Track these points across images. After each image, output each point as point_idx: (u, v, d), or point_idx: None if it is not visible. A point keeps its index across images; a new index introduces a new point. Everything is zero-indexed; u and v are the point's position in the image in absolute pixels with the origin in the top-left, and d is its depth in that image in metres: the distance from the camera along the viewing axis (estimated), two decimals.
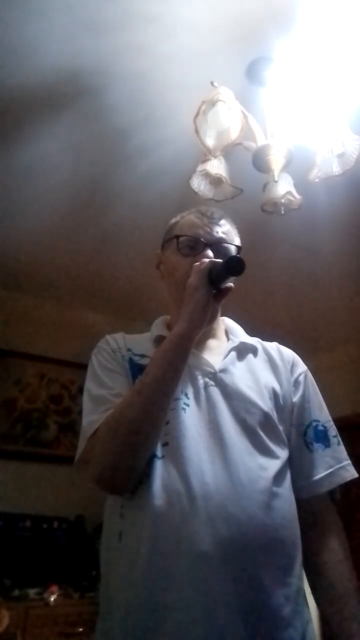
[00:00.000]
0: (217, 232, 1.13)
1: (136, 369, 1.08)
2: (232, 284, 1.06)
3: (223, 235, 1.14)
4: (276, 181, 1.66)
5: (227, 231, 1.15)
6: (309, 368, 1.21)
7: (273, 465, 1.02)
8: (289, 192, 1.69)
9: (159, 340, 1.12)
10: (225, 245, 1.13)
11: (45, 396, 3.35)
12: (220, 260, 1.02)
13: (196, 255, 1.09)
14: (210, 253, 1.08)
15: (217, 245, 1.12)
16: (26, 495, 2.98)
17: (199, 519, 0.92)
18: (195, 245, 1.12)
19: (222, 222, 1.16)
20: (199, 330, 1.01)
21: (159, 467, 0.97)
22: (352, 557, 1.07)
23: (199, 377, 1.07)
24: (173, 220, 1.21)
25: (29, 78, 1.83)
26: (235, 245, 1.16)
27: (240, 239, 1.20)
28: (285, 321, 3.55)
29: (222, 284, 1.03)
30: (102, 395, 1.05)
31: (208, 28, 1.66)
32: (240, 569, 0.91)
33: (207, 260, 1.04)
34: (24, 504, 2.93)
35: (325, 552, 1.05)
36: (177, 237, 1.14)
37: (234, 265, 0.98)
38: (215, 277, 1.01)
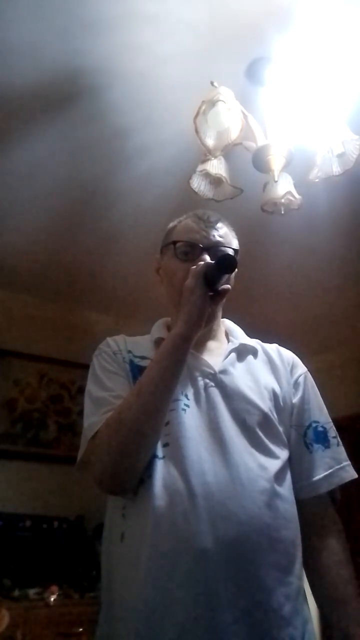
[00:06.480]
0: (214, 236, 1.13)
1: (137, 371, 1.09)
2: (229, 286, 1.07)
3: (220, 239, 1.13)
4: (276, 181, 1.66)
5: (224, 234, 1.15)
6: (308, 368, 1.21)
7: (273, 465, 1.02)
8: (289, 192, 1.69)
9: (158, 342, 1.12)
10: (222, 248, 1.13)
11: (45, 396, 3.35)
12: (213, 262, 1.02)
13: (193, 260, 1.09)
14: (207, 257, 1.08)
15: (214, 249, 1.11)
16: (26, 495, 2.98)
17: (200, 519, 0.92)
18: (192, 250, 1.12)
19: (219, 225, 1.15)
20: (196, 332, 1.01)
21: (160, 467, 0.98)
22: (351, 558, 1.07)
23: (199, 378, 1.08)
24: (170, 225, 1.21)
25: (29, 78, 1.83)
26: (233, 249, 1.15)
27: (240, 239, 1.20)
28: (285, 321, 3.54)
29: (217, 284, 1.03)
30: (102, 397, 1.06)
31: (208, 28, 1.66)
32: (241, 568, 0.92)
33: (202, 262, 1.04)
34: (24, 504, 2.93)
35: (325, 552, 1.06)
36: (174, 242, 1.14)
37: (224, 263, 1.00)
38: (210, 278, 1.02)
